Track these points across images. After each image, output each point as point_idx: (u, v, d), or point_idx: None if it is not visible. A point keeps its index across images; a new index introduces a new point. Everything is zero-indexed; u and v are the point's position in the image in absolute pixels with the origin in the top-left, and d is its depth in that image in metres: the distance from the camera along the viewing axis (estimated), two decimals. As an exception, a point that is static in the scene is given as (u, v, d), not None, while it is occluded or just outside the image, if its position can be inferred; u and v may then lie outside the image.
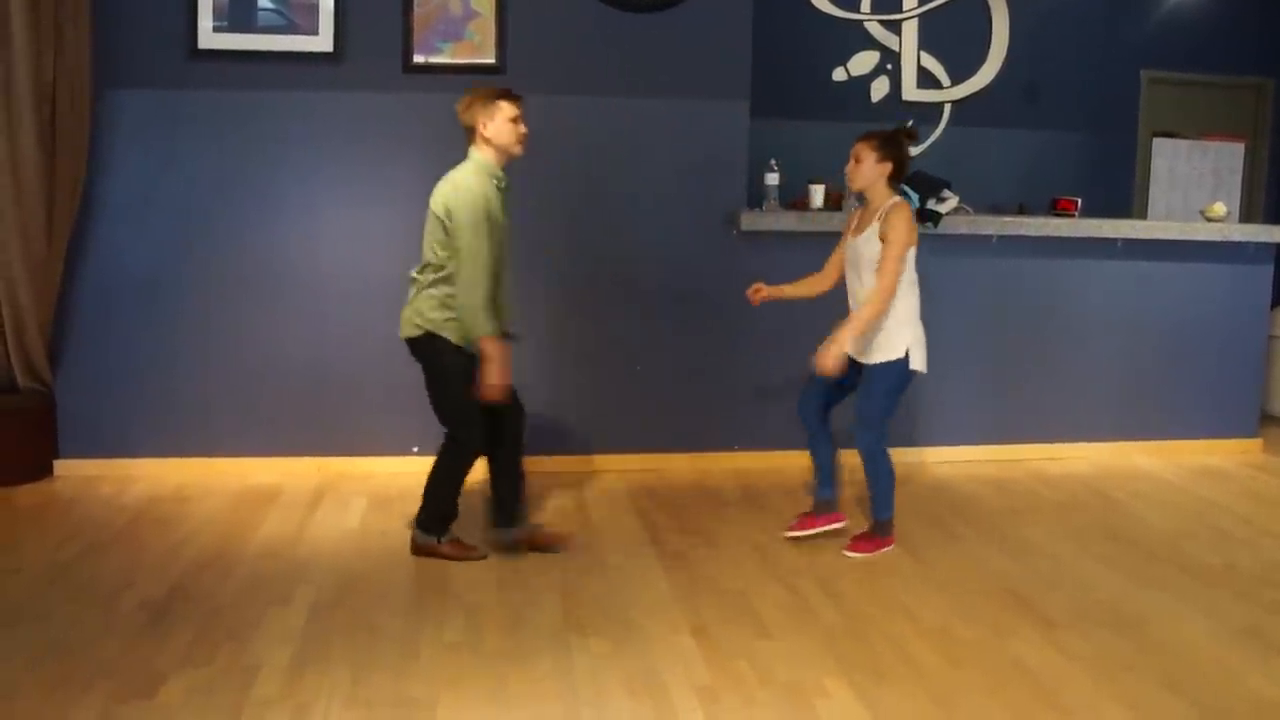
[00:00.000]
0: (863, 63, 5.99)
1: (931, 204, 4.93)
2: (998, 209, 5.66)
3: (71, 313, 4.65)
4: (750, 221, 4.83)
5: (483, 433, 3.70)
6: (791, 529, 4.04)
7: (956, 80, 6.09)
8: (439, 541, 3.75)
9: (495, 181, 3.58)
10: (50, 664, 2.88)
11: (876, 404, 3.78)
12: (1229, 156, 6.46)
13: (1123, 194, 6.41)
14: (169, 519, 4.15)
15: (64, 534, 3.94)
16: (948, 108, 6.10)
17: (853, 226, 3.88)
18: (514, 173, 4.52)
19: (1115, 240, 5.23)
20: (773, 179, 4.94)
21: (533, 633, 3.16)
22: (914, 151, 3.84)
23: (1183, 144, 6.40)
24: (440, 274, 3.54)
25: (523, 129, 3.60)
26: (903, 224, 3.64)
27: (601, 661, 2.98)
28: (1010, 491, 4.74)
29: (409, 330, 3.63)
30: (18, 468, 4.55)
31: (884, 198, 3.75)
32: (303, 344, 4.75)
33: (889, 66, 6.02)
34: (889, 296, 3.65)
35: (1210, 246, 5.32)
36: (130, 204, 4.62)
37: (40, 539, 3.89)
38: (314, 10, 4.59)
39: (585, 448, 4.97)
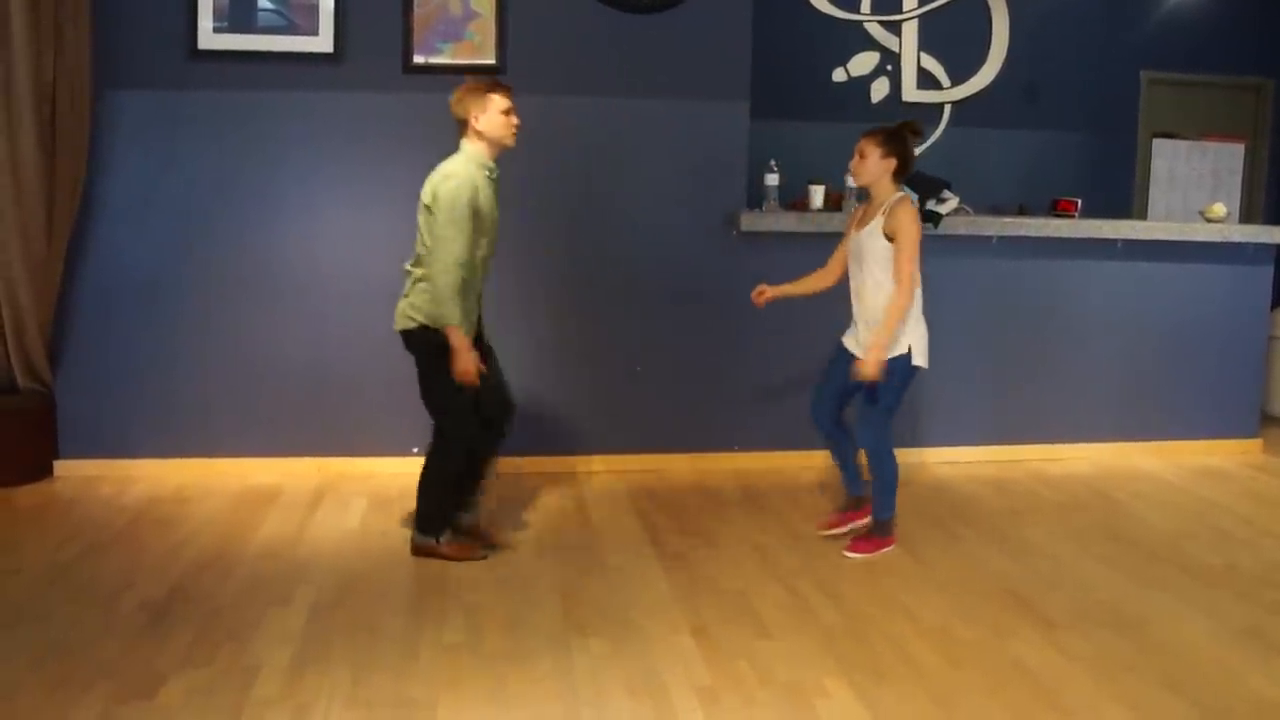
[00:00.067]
0: (863, 63, 6.00)
1: (932, 205, 4.93)
2: (998, 210, 5.66)
3: (71, 313, 4.65)
4: (750, 222, 4.83)
5: (473, 428, 3.70)
6: (827, 526, 4.06)
7: (956, 81, 6.10)
8: (438, 542, 3.75)
9: (486, 172, 3.59)
10: (50, 664, 2.87)
11: (881, 400, 3.78)
12: (1229, 157, 6.47)
13: (1123, 195, 6.41)
14: (169, 519, 4.15)
15: (64, 535, 3.94)
16: (948, 108, 6.10)
17: (855, 221, 3.89)
18: (514, 173, 4.52)
19: (1115, 241, 5.23)
20: (772, 180, 4.94)
21: (533, 633, 3.16)
22: (917, 150, 3.84)
23: (1182, 145, 6.40)
24: None
25: (515, 120, 3.61)
26: (910, 220, 3.65)
27: (601, 662, 2.98)
28: (1010, 492, 4.74)
29: (403, 322, 3.64)
30: (18, 468, 4.55)
31: (888, 193, 3.76)
32: (303, 344, 4.75)
33: (889, 67, 6.02)
34: (910, 293, 3.66)
35: (1210, 247, 5.32)
36: (130, 204, 4.62)
37: (40, 540, 3.89)
38: (314, 11, 4.60)
39: (585, 448, 4.97)
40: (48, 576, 3.53)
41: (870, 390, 3.75)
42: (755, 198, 5.03)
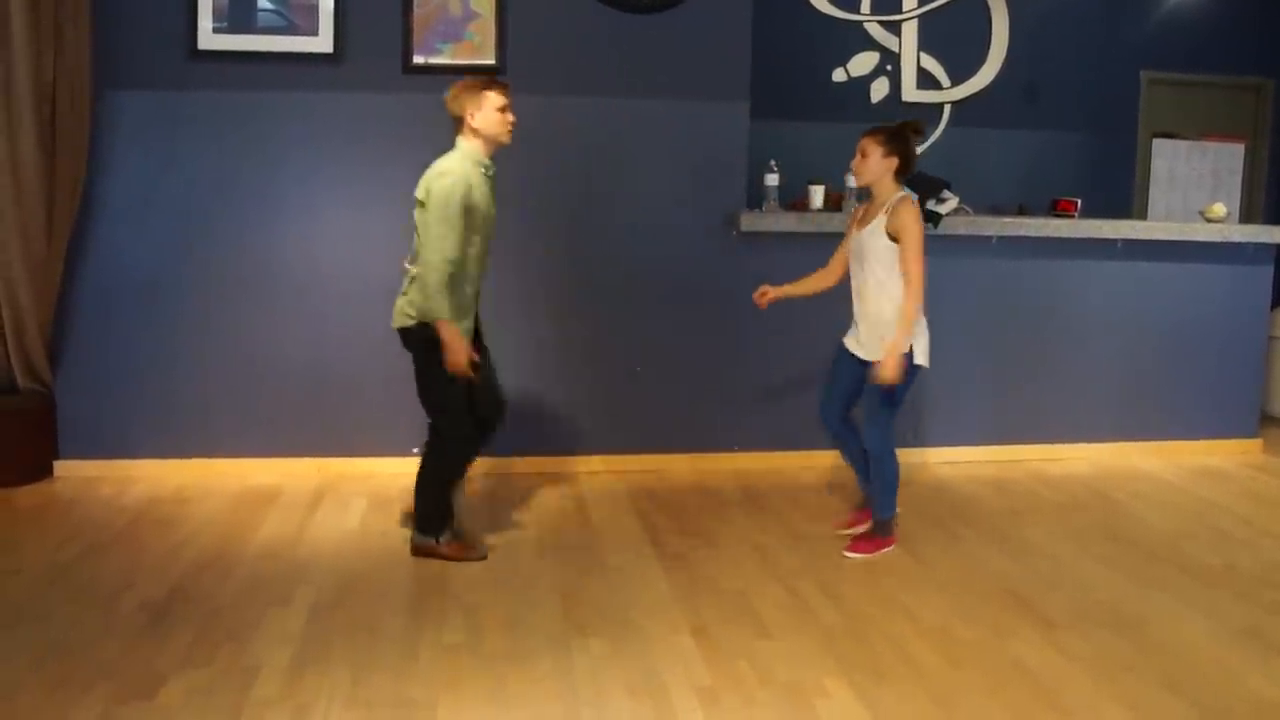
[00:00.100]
0: (862, 64, 6.00)
1: (931, 205, 4.93)
2: (998, 210, 5.66)
3: (71, 313, 4.65)
4: (750, 222, 4.83)
5: (469, 427, 3.70)
6: (846, 525, 4.09)
7: (956, 81, 6.10)
8: (437, 542, 3.75)
9: (482, 169, 3.59)
10: (51, 665, 2.87)
11: (883, 399, 3.78)
12: (1229, 157, 6.46)
13: (1122, 195, 6.41)
14: (169, 520, 4.15)
15: (64, 535, 3.94)
16: (947, 108, 6.10)
17: (857, 220, 3.89)
18: (515, 173, 4.53)
19: (1115, 241, 5.23)
20: (772, 180, 4.94)
21: (532, 633, 3.16)
22: (919, 148, 3.85)
23: (1182, 144, 6.40)
24: None
25: (511, 117, 3.61)
26: (913, 220, 3.66)
27: (601, 662, 2.98)
28: (1010, 492, 4.74)
29: (400, 320, 3.64)
30: (18, 469, 4.55)
31: (890, 192, 3.76)
32: (302, 344, 4.75)
33: (889, 67, 6.02)
34: (920, 290, 3.67)
35: (1210, 247, 5.33)
36: (130, 204, 4.62)
37: (40, 540, 3.89)
38: (314, 11, 4.60)
39: (585, 448, 4.97)
40: (48, 577, 3.54)
41: (888, 392, 3.75)
42: (755, 198, 5.03)
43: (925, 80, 6.07)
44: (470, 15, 4.69)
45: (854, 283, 3.89)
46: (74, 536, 3.92)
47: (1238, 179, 6.47)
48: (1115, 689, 2.85)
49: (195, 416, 4.73)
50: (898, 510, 3.95)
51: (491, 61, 4.68)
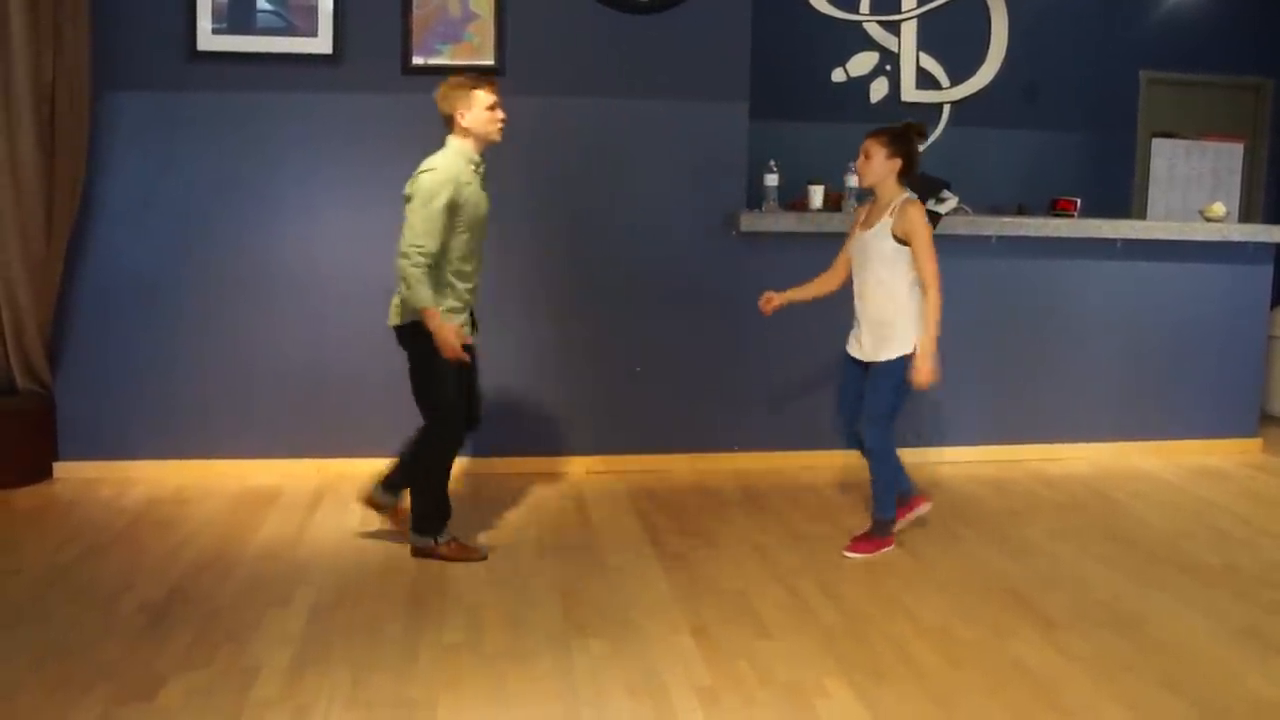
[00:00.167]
0: (862, 64, 6.00)
1: (931, 204, 4.93)
2: (997, 209, 5.66)
3: (71, 314, 4.65)
4: (750, 222, 4.83)
5: (462, 425, 3.71)
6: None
7: (956, 81, 6.10)
8: (436, 543, 3.75)
9: (472, 166, 3.59)
10: (50, 666, 2.87)
11: (884, 399, 3.79)
12: (1228, 157, 6.46)
13: (1122, 194, 6.41)
14: (168, 521, 4.15)
15: (63, 536, 3.94)
16: (947, 108, 6.11)
17: (860, 221, 3.89)
18: (515, 174, 4.54)
19: (1115, 240, 5.23)
20: (772, 180, 4.94)
21: (532, 633, 3.16)
22: (921, 147, 3.86)
23: (1182, 144, 6.40)
24: None
25: (501, 115, 3.62)
26: (921, 221, 3.69)
27: (601, 662, 2.98)
28: (1010, 492, 4.74)
29: (395, 318, 3.65)
30: (17, 470, 4.55)
31: (894, 193, 3.77)
32: (302, 345, 4.75)
33: (888, 67, 6.02)
34: (938, 286, 3.68)
35: (1209, 246, 5.33)
36: (129, 205, 4.62)
37: (40, 541, 3.89)
38: (313, 12, 4.60)
39: (585, 448, 4.97)
40: (47, 578, 3.53)
41: (889, 393, 3.77)
42: (755, 198, 5.03)
43: (925, 80, 6.07)
44: (469, 16, 4.69)
45: (856, 284, 3.89)
46: (73, 537, 3.92)
47: (1237, 178, 6.48)
48: (1115, 688, 2.85)
49: (195, 417, 4.73)
50: (895, 512, 3.95)
51: (491, 62, 4.68)
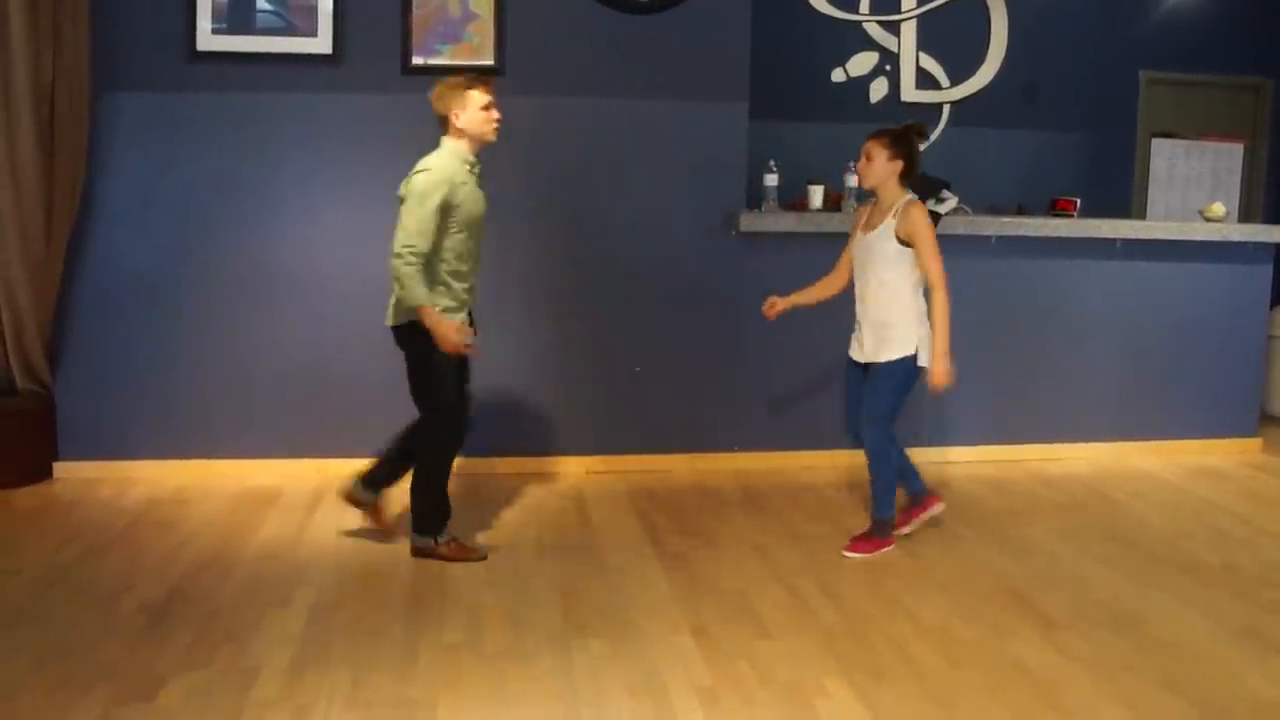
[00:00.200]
0: (861, 64, 6.00)
1: (930, 204, 4.93)
2: (997, 209, 5.66)
3: (70, 314, 4.65)
4: (749, 222, 4.83)
5: (462, 424, 3.71)
6: (897, 526, 4.07)
7: (955, 81, 6.10)
8: (436, 543, 3.75)
9: (466, 166, 3.59)
10: (50, 666, 2.87)
11: (884, 400, 3.79)
12: (1228, 157, 6.47)
13: (1121, 194, 6.41)
14: (168, 521, 4.15)
15: (63, 536, 3.94)
16: (946, 108, 6.11)
17: (862, 223, 3.89)
18: (514, 174, 4.54)
19: (1114, 240, 5.23)
20: (772, 180, 4.94)
21: (532, 633, 3.16)
22: (922, 148, 3.87)
23: (1181, 144, 6.40)
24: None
25: (496, 115, 3.62)
26: (924, 221, 3.70)
27: (601, 662, 2.98)
28: (1009, 492, 4.74)
29: (392, 318, 3.65)
30: (17, 470, 4.55)
31: (896, 195, 3.77)
32: (302, 345, 4.75)
33: (888, 67, 6.02)
34: (945, 286, 3.69)
35: (1209, 246, 5.33)
36: (129, 205, 4.62)
37: (40, 541, 3.89)
38: (313, 12, 4.60)
39: (585, 448, 4.96)
40: (47, 578, 3.53)
41: (889, 394, 3.78)
42: (754, 198, 5.03)
43: (924, 80, 6.07)
44: (469, 16, 4.69)
45: (857, 286, 3.89)
46: (73, 538, 3.92)
47: (1237, 178, 6.48)
48: (1114, 688, 2.85)
49: (194, 417, 4.73)
50: (894, 512, 3.95)
51: (490, 62, 4.68)
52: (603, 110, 4.82)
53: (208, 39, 4.54)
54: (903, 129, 3.80)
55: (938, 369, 3.69)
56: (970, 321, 5.10)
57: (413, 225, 3.46)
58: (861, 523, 4.11)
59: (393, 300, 3.65)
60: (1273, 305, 5.71)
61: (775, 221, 4.87)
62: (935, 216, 4.88)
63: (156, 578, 3.54)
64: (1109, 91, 6.32)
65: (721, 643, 3.11)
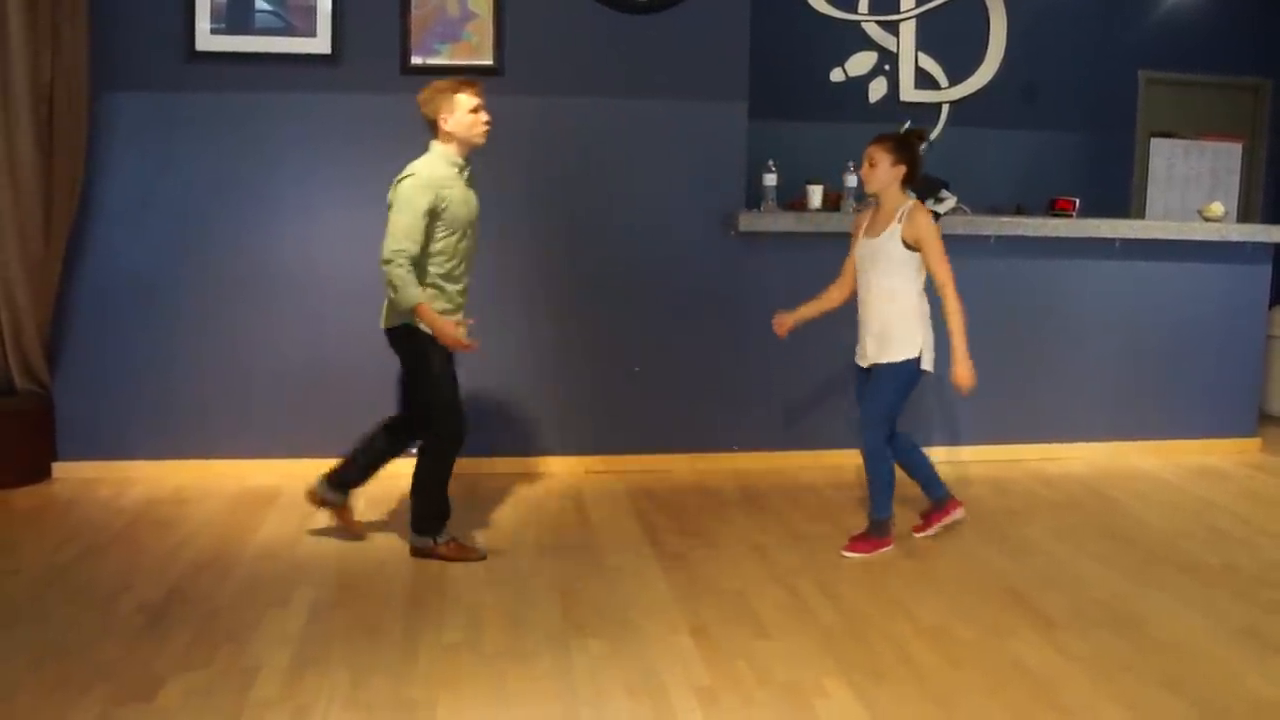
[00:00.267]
0: (860, 63, 6.00)
1: (930, 204, 4.94)
2: (996, 209, 5.66)
3: (69, 314, 4.65)
4: (748, 222, 4.83)
5: (462, 422, 3.71)
6: (916, 529, 4.10)
7: (954, 81, 6.10)
8: (435, 543, 3.75)
9: (455, 169, 3.59)
10: (49, 666, 2.87)
11: (885, 401, 3.80)
12: (1227, 157, 6.47)
13: (1121, 194, 6.41)
14: (167, 521, 4.14)
15: (62, 536, 3.94)
16: (945, 108, 6.11)
17: (864, 228, 3.89)
18: (513, 174, 4.54)
19: (1113, 240, 5.23)
20: (770, 180, 4.94)
21: (532, 633, 3.16)
22: (921, 149, 3.88)
23: (1180, 144, 6.41)
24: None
25: (484, 118, 3.62)
26: (930, 224, 3.71)
27: (601, 661, 2.98)
28: (1009, 491, 4.74)
29: (386, 321, 3.65)
30: (16, 470, 4.55)
31: (898, 200, 3.78)
32: (300, 345, 4.75)
33: (887, 67, 6.02)
34: (954, 288, 3.71)
35: (1208, 246, 5.33)
36: (128, 205, 4.62)
37: (38, 541, 3.89)
38: (312, 12, 4.59)
39: (585, 448, 4.96)
40: (46, 578, 3.53)
41: (889, 395, 3.79)
42: (753, 198, 5.03)
43: (923, 80, 6.07)
44: (468, 16, 4.69)
45: (860, 290, 3.90)
46: (72, 538, 3.92)
47: (1236, 178, 6.49)
48: (1114, 688, 2.85)
49: (193, 417, 4.72)
50: (892, 512, 3.95)
51: (489, 62, 4.68)
52: (602, 110, 4.82)
53: (206, 39, 4.54)
54: (905, 134, 3.82)
55: (960, 370, 3.70)
56: (969, 321, 5.07)
57: (400, 230, 3.46)
58: (861, 523, 4.10)
59: (386, 303, 3.65)
60: (1272, 305, 5.71)
61: (774, 221, 4.87)
62: (934, 216, 4.88)
63: (155, 578, 3.54)
64: (1108, 91, 6.32)
65: (720, 643, 3.11)
